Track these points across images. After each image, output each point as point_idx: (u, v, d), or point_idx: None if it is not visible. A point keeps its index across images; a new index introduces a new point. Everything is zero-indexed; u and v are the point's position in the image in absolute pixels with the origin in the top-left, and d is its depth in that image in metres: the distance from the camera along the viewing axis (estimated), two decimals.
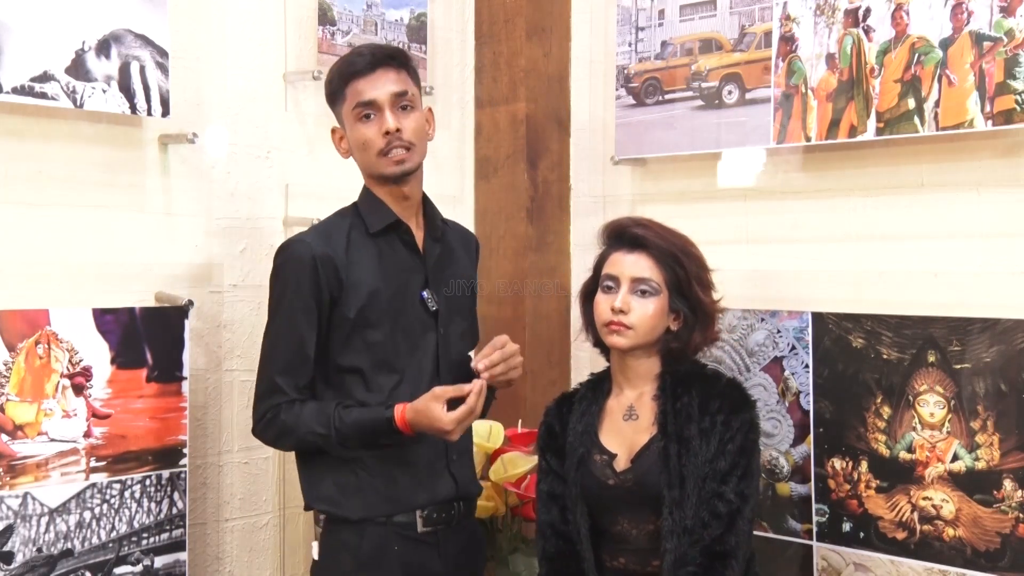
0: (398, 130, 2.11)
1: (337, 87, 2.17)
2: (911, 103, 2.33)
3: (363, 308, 2.12)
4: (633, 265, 2.14)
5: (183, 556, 2.40)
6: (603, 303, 2.16)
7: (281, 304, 2.14)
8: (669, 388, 2.14)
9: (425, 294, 2.19)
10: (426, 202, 2.25)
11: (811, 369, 2.48)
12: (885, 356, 2.37)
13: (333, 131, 2.23)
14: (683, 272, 2.13)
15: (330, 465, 2.15)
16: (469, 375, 2.13)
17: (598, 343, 2.26)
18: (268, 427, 2.14)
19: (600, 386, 2.26)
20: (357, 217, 2.19)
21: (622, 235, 2.19)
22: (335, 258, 2.11)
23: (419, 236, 2.22)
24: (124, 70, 2.29)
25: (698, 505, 2.05)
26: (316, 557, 2.21)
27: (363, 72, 2.13)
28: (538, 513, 2.24)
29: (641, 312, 2.12)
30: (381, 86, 2.12)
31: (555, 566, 2.18)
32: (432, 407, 2.06)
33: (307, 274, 2.10)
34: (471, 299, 2.35)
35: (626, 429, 2.17)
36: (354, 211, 2.21)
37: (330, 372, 2.15)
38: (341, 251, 2.13)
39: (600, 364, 2.32)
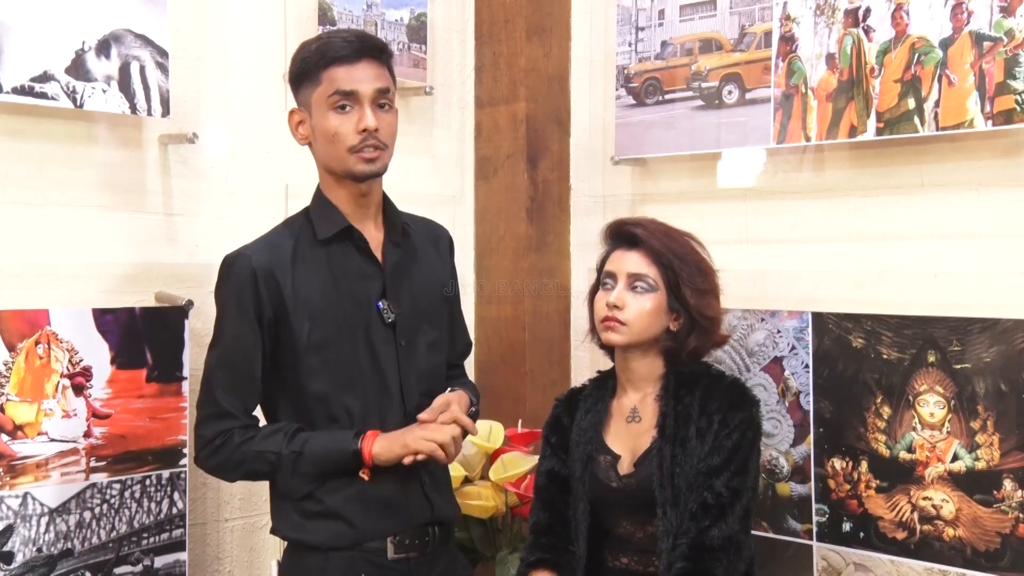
0: (376, 129, 1.99)
1: (311, 68, 2.01)
2: (911, 103, 2.33)
3: (314, 325, 2.01)
4: (629, 261, 2.14)
5: (183, 556, 2.40)
6: (600, 300, 2.15)
7: (225, 321, 2.03)
8: (672, 389, 2.12)
9: (381, 304, 2.06)
10: (386, 202, 2.14)
11: (811, 369, 2.48)
12: (885, 356, 2.37)
13: (291, 113, 2.08)
14: (674, 275, 2.12)
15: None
16: (442, 390, 2.09)
17: (603, 343, 2.25)
18: (215, 453, 2.01)
19: (605, 384, 2.24)
20: (307, 224, 2.07)
21: (620, 233, 2.19)
22: (276, 272, 2.00)
23: (378, 239, 2.10)
24: (124, 70, 2.29)
25: (692, 502, 2.03)
26: None
27: (347, 59, 1.99)
28: (535, 489, 2.23)
29: (637, 308, 2.10)
30: (366, 79, 2.00)
31: (541, 540, 2.15)
32: (408, 428, 2.01)
33: (248, 289, 1.99)
34: (444, 303, 2.22)
35: (630, 431, 2.16)
36: (304, 218, 2.09)
37: (298, 399, 2.04)
38: (285, 264, 2.01)
39: (601, 363, 2.31)
